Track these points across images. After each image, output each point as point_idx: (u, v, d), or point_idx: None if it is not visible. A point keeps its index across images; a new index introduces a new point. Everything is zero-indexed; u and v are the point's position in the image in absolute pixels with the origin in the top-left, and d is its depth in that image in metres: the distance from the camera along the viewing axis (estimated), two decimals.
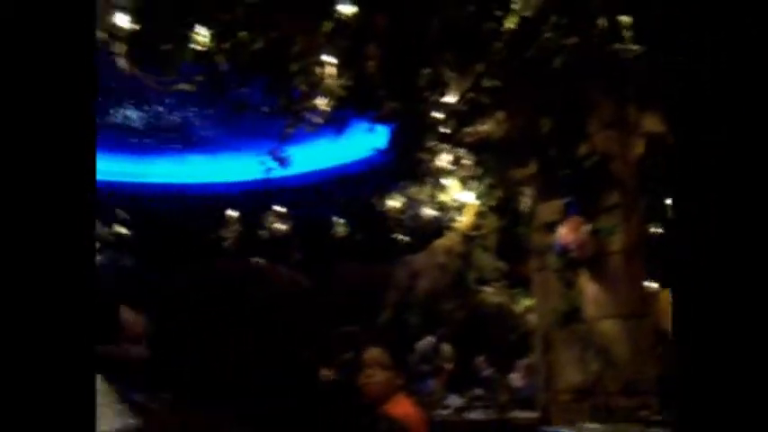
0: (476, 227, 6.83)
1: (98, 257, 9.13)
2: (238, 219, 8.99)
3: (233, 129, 7.57)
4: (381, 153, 7.29)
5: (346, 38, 4.00)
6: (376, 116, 5.15)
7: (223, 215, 8.96)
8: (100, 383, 2.28)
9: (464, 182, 6.44)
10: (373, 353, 2.90)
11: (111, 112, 7.27)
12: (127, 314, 2.43)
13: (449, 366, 7.45)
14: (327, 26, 3.89)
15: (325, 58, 4.38)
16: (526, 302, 6.73)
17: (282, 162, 4.93)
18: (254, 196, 8.77)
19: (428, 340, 7.45)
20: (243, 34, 4.33)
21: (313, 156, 7.11)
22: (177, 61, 4.35)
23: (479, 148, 5.60)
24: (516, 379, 6.83)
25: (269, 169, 5.02)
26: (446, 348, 7.51)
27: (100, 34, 3.99)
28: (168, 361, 0.83)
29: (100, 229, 9.14)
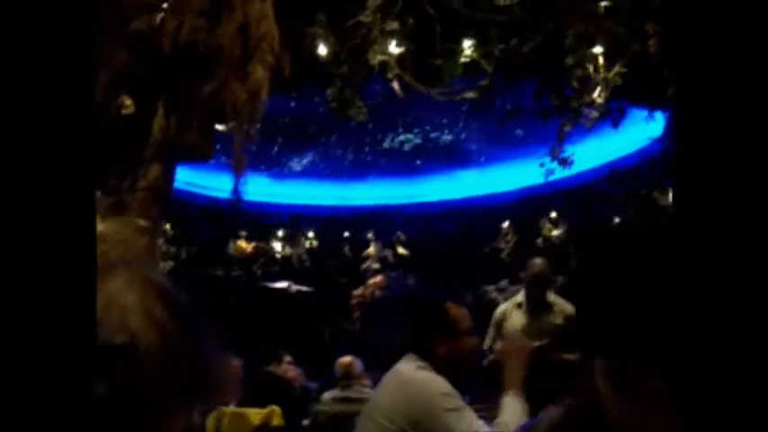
0: None
1: (382, 278, 9.53)
2: (512, 229, 8.93)
3: (502, 140, 7.52)
4: (659, 142, 6.83)
5: (621, 20, 3.75)
6: (659, 100, 4.79)
7: (498, 227, 8.95)
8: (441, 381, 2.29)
9: None
10: None
11: (385, 138, 7.54)
12: (455, 310, 2.46)
13: None
14: (600, 8, 3.67)
15: (597, 49, 4.17)
16: None
17: (564, 163, 4.74)
18: (528, 204, 8.66)
19: None
20: (509, 42, 4.24)
21: (585, 155, 6.82)
22: (449, 76, 4.35)
23: None
24: None
25: (549, 172, 4.85)
26: None
27: (375, 59, 4.11)
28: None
29: (381, 251, 9.54)
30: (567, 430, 0.93)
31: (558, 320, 4.81)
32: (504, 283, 8.59)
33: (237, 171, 4.34)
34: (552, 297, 4.87)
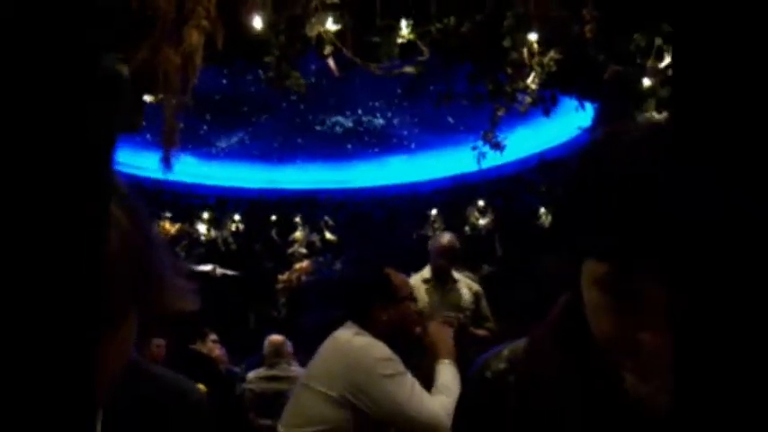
0: None
1: (309, 263, 9.47)
2: (440, 216, 8.99)
3: (433, 127, 7.55)
4: (588, 132, 6.98)
5: (560, 3, 3.81)
6: (590, 90, 4.89)
7: (425, 214, 9.00)
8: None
9: None
10: None
11: (316, 120, 7.47)
12: (395, 276, 2.47)
13: None
14: None
15: (534, 32, 4.22)
16: None
17: (497, 146, 4.80)
18: (457, 192, 8.74)
19: None
20: (449, 19, 4.26)
21: (514, 144, 6.92)
22: (386, 55, 4.34)
23: None
24: None
25: (482, 155, 4.91)
26: None
27: (313, 32, 4.06)
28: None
29: (309, 236, 9.47)
30: (536, 352, 0.90)
31: (466, 296, 4.86)
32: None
33: (167, 143, 4.23)
34: (457, 274, 4.92)
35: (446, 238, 4.96)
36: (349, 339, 2.31)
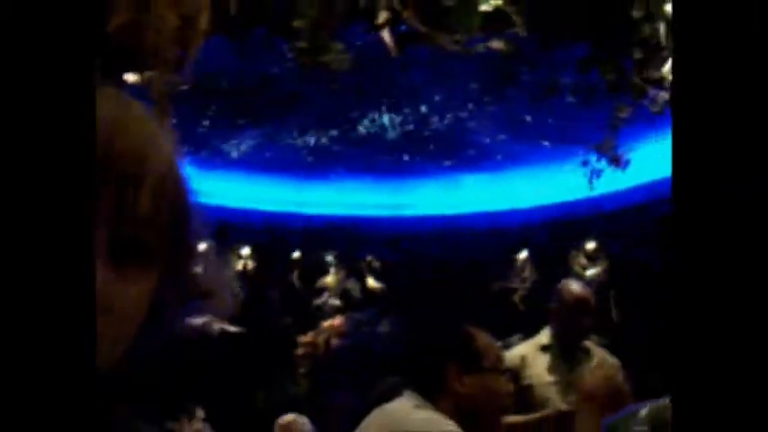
0: None
1: (343, 320, 9.49)
2: (531, 262, 8.95)
3: (526, 133, 7.54)
4: None
5: None
6: None
7: (511, 258, 8.96)
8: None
9: None
10: None
11: (361, 119, 7.53)
12: (480, 336, 2.49)
13: None
14: None
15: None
16: None
17: (617, 161, 4.78)
18: (557, 228, 8.70)
19: None
20: None
21: (641, 164, 6.87)
22: (463, 26, 4.37)
23: None
24: None
25: (596, 174, 4.90)
26: None
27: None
28: None
29: (345, 282, 9.52)
30: None
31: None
32: (514, 339, 8.59)
33: None
34: (588, 343, 4.88)
35: (578, 286, 4.94)
36: (406, 413, 2.31)
